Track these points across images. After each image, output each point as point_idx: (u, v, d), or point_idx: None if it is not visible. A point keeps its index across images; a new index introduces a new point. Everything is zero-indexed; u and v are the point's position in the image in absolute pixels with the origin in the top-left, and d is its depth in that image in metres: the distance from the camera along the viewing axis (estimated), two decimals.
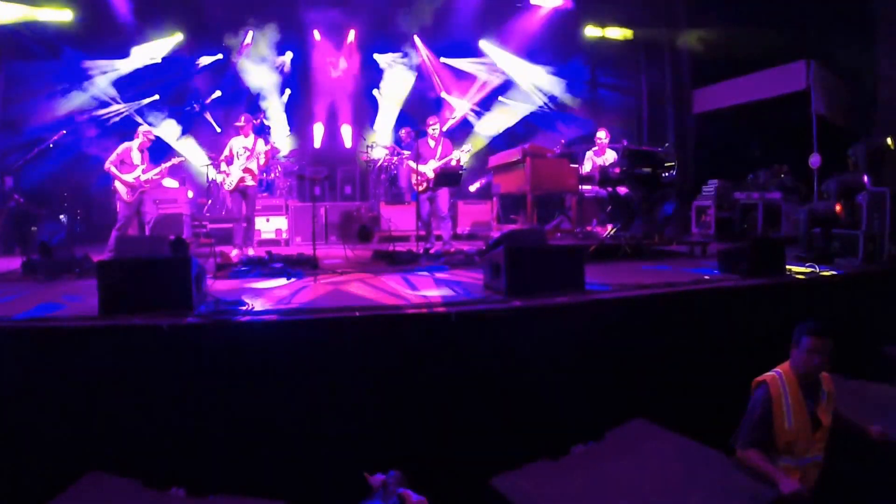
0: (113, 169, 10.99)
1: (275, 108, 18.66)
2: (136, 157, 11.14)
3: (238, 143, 11.53)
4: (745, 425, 4.59)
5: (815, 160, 13.75)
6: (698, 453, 4.18)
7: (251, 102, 18.33)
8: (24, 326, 5.70)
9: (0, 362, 5.38)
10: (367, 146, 17.13)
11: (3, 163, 14.13)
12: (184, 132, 17.22)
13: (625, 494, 3.69)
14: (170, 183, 14.55)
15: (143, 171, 11.15)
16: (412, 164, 12.02)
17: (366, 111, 19.95)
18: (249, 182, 11.48)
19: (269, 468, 5.34)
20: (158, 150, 13.00)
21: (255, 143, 11.52)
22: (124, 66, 17.30)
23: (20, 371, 5.38)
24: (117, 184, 11.06)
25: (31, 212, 13.38)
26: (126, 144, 11.21)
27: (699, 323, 6.69)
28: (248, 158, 11.37)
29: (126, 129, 17.29)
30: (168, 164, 11.46)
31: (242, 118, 11.73)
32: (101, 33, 16.45)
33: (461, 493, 3.99)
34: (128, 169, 11.05)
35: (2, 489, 5.06)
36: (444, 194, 11.79)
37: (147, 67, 17.67)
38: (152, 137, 11.57)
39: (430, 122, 12.14)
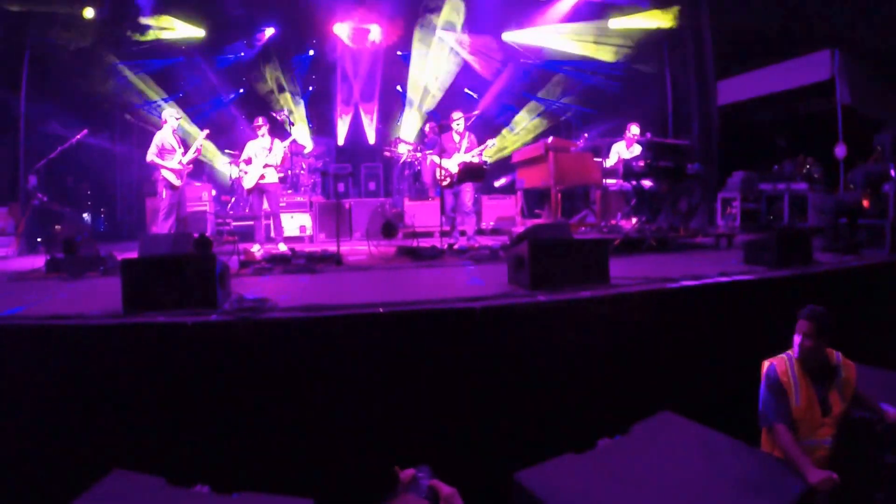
0: (156, 159, 11.13)
1: (297, 105, 18.72)
2: (172, 140, 11.29)
3: (256, 145, 11.62)
4: (763, 404, 4.61)
5: (840, 150, 13.62)
6: (726, 445, 4.14)
7: (273, 100, 18.42)
8: (48, 324, 5.73)
9: (25, 360, 5.43)
10: (391, 142, 17.13)
11: (27, 161, 14.26)
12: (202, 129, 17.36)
13: (651, 488, 3.66)
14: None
15: (182, 154, 11.28)
16: (436, 158, 12.01)
17: (390, 107, 19.98)
18: (269, 179, 11.56)
19: (295, 465, 5.35)
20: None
21: (272, 143, 11.60)
22: (147, 64, 17.39)
23: (45, 369, 5.41)
24: (164, 172, 11.18)
25: (55, 210, 13.47)
26: (159, 133, 11.33)
27: (725, 315, 6.63)
28: (266, 157, 11.42)
29: (145, 126, 17.50)
30: (199, 140, 11.53)
31: (259, 119, 11.83)
32: (124, 29, 16.55)
33: (486, 487, 3.98)
34: (168, 155, 11.19)
35: (28, 488, 5.11)
36: (468, 189, 11.77)
37: (169, 64, 17.78)
38: (179, 117, 11.69)
39: (455, 117, 12.11)
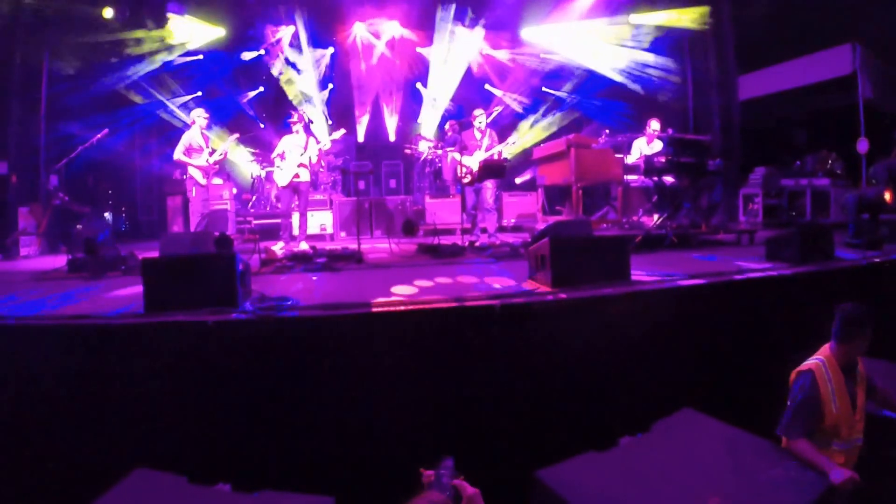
0: (183, 157, 11.22)
1: (317, 103, 18.74)
2: (199, 140, 11.38)
3: (290, 141, 11.59)
4: (791, 415, 4.52)
5: (862, 145, 13.46)
6: (748, 443, 4.12)
7: (292, 98, 18.45)
8: (70, 324, 5.78)
9: (47, 359, 5.46)
10: (412, 139, 17.11)
11: (48, 161, 14.36)
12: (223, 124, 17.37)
13: (673, 486, 3.64)
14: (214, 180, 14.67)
15: (210, 154, 11.34)
16: (457, 155, 11.98)
17: (410, 105, 19.95)
18: (304, 178, 11.58)
19: (316, 464, 5.35)
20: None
21: (307, 140, 11.58)
22: (167, 63, 17.45)
23: (67, 368, 5.45)
24: (191, 170, 11.26)
25: (76, 210, 13.53)
26: (187, 132, 11.41)
27: (747, 312, 6.58)
28: (300, 154, 11.43)
29: (165, 125, 17.63)
30: (228, 143, 11.58)
31: (295, 115, 11.84)
32: (142, 29, 16.62)
33: (508, 485, 3.96)
34: (196, 154, 11.27)
35: (51, 486, 5.14)
36: (489, 186, 11.74)
37: (189, 63, 17.83)
38: (207, 116, 11.74)
39: (476, 114, 12.09)
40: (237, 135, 11.83)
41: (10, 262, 12.09)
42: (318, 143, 11.87)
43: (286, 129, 11.91)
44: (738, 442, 4.10)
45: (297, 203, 11.78)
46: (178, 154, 11.26)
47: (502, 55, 19.35)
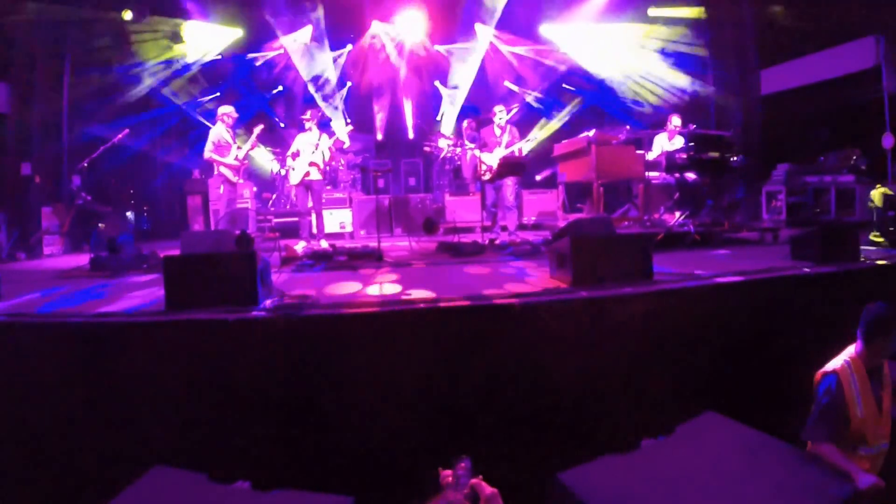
0: (214, 156, 11.28)
1: (336, 102, 18.76)
2: (227, 136, 11.44)
3: (304, 139, 11.60)
4: (816, 419, 4.44)
5: (887, 140, 13.29)
6: (771, 448, 4.06)
7: (311, 97, 18.48)
8: (92, 321, 5.81)
9: (70, 357, 5.50)
10: (431, 137, 17.10)
11: (70, 162, 14.48)
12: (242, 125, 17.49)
13: (695, 490, 3.60)
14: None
15: (238, 149, 11.38)
16: (477, 152, 11.96)
17: (429, 102, 19.94)
18: (314, 176, 11.54)
19: (336, 463, 5.34)
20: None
21: (319, 138, 11.56)
22: (185, 64, 17.55)
23: (89, 365, 5.48)
24: (221, 168, 11.32)
25: (98, 210, 13.64)
26: (214, 130, 11.47)
27: (771, 312, 6.51)
28: (312, 153, 11.43)
29: (185, 126, 17.75)
30: (254, 135, 11.60)
31: (308, 112, 11.82)
32: (160, 31, 16.74)
33: (528, 487, 3.94)
34: (225, 151, 11.35)
35: (71, 482, 5.16)
36: (509, 184, 11.70)
37: (207, 64, 17.92)
38: (235, 115, 11.78)
39: (496, 111, 12.05)
40: (261, 126, 11.81)
41: (34, 261, 12.21)
42: (330, 137, 11.81)
43: (302, 126, 11.91)
44: (761, 446, 4.04)
45: (309, 202, 11.77)
46: (209, 152, 11.32)
47: (521, 52, 19.29)
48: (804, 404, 4.58)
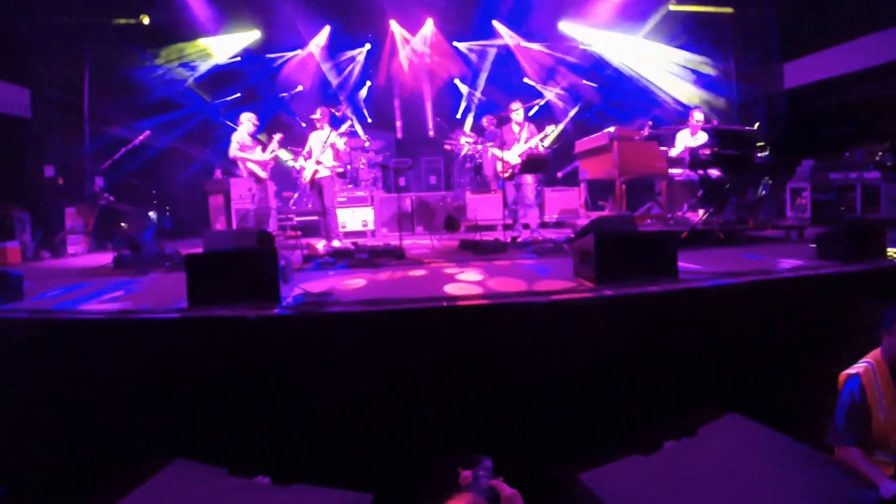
0: (240, 154, 11.39)
1: (356, 100, 18.81)
2: (249, 141, 11.47)
3: (315, 138, 11.64)
4: (840, 422, 4.37)
5: None
6: (796, 452, 3.99)
7: (332, 96, 18.54)
8: (116, 318, 5.84)
9: (94, 353, 5.54)
10: (451, 135, 17.08)
11: (93, 163, 14.64)
12: (263, 128, 17.58)
13: (717, 492, 3.55)
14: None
15: (261, 152, 11.47)
16: (496, 150, 11.92)
17: (448, 100, 19.94)
18: (322, 174, 11.52)
19: (356, 460, 5.34)
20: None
21: (328, 136, 11.56)
22: (205, 66, 17.66)
23: (112, 360, 5.53)
24: (249, 165, 11.39)
25: (121, 210, 13.77)
26: (237, 133, 11.58)
27: (797, 312, 6.42)
28: (321, 151, 11.43)
29: (206, 127, 17.88)
30: (275, 141, 11.66)
31: (318, 111, 11.81)
32: (179, 33, 16.86)
33: (549, 487, 3.91)
34: (250, 150, 11.37)
35: (92, 475, 5.18)
36: (530, 181, 11.65)
37: (226, 66, 18.02)
38: (256, 123, 11.86)
39: (514, 108, 12.00)
40: (280, 135, 11.87)
41: (59, 260, 12.34)
42: (342, 136, 11.79)
43: (314, 126, 11.90)
44: (785, 450, 3.98)
45: (321, 200, 11.72)
46: (234, 152, 11.43)
47: (541, 48, 19.22)
48: (830, 407, 4.52)
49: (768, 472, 3.71)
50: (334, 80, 18.98)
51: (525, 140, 11.69)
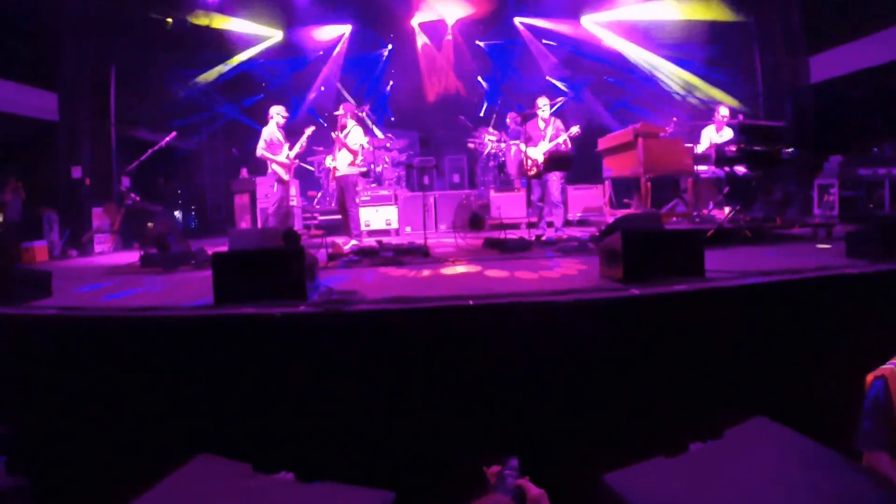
0: (266, 154, 11.42)
1: (378, 100, 18.85)
2: (279, 135, 11.57)
3: (337, 136, 11.62)
4: (866, 425, 4.30)
5: None
6: (824, 458, 3.94)
7: (354, 95, 18.59)
8: (142, 316, 5.88)
9: (120, 349, 5.59)
10: (475, 133, 17.07)
11: (119, 164, 14.81)
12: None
13: (742, 497, 3.52)
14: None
15: (289, 148, 11.48)
16: (522, 147, 11.87)
17: (472, 98, 19.93)
18: (341, 171, 11.51)
19: (380, 458, 5.34)
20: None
21: (347, 134, 11.54)
22: (228, 68, 17.78)
23: (138, 358, 5.60)
24: (274, 167, 11.45)
25: (148, 209, 13.90)
26: (267, 129, 11.59)
27: (826, 312, 6.35)
28: (339, 149, 11.44)
29: (231, 127, 18.02)
30: (305, 136, 11.67)
31: (341, 108, 11.82)
32: (202, 36, 17.00)
33: (573, 487, 3.89)
34: (277, 149, 11.49)
35: (115, 468, 5.22)
36: (555, 179, 11.60)
37: (250, 67, 18.11)
38: (286, 115, 11.87)
39: (540, 104, 11.94)
40: (313, 127, 11.86)
41: (86, 259, 12.52)
42: (360, 135, 11.70)
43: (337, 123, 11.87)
44: (813, 456, 3.92)
45: (341, 199, 11.74)
46: (261, 150, 11.46)
47: (563, 45, 19.15)
48: (859, 411, 4.46)
49: (795, 477, 3.67)
50: (356, 80, 19.01)
51: (550, 138, 11.65)
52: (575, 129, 11.70)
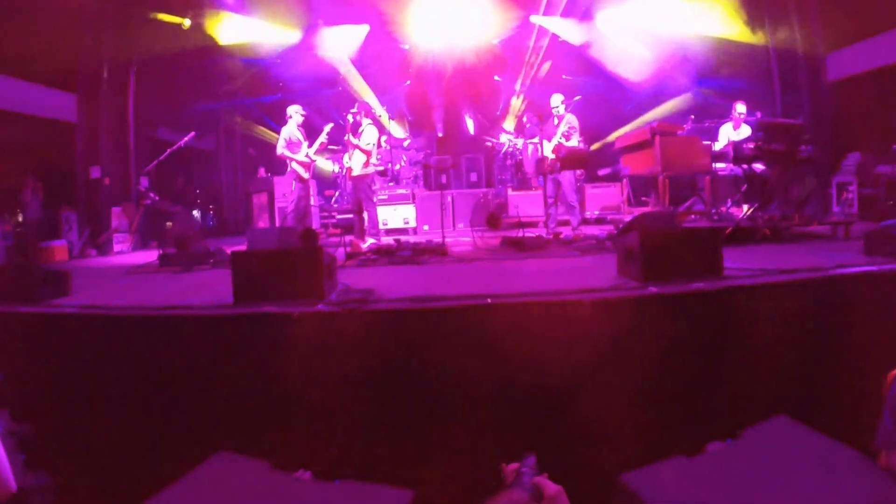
0: (286, 152, 11.46)
1: (395, 99, 18.87)
2: (298, 134, 11.59)
3: (352, 135, 11.64)
4: (888, 424, 4.27)
5: None
6: (845, 457, 3.92)
7: (369, 95, 18.64)
8: (161, 314, 5.93)
9: (140, 348, 5.63)
10: (492, 132, 17.08)
11: (138, 164, 14.92)
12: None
13: (762, 498, 3.51)
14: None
15: (308, 146, 11.52)
16: (537, 142, 11.85)
17: (489, 97, 19.92)
18: (356, 172, 11.52)
19: (397, 457, 5.35)
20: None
21: (361, 133, 11.57)
22: (246, 67, 17.84)
23: (158, 357, 5.65)
24: (294, 165, 11.51)
25: (166, 209, 13.97)
26: (286, 127, 11.65)
27: (846, 311, 6.30)
28: (353, 149, 11.47)
29: (248, 127, 18.09)
30: (324, 133, 11.69)
31: (356, 105, 11.86)
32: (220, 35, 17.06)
33: (591, 487, 3.89)
34: (296, 148, 11.51)
35: (134, 465, 5.26)
36: (568, 178, 11.59)
37: (267, 66, 18.18)
38: (304, 113, 11.89)
39: (553, 103, 11.97)
40: (332, 124, 11.89)
41: (105, 258, 12.61)
42: (373, 134, 11.70)
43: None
44: (834, 456, 3.90)
45: (357, 199, 11.76)
46: (280, 149, 11.51)
47: (581, 43, 19.07)
48: (880, 409, 4.44)
49: (816, 478, 3.65)
50: (373, 80, 19.03)
51: (561, 134, 11.65)
52: (571, 121, 11.69)
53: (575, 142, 11.80)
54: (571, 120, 11.89)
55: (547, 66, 19.36)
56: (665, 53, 17.94)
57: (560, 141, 11.69)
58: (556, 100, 11.98)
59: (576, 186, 11.99)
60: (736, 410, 5.01)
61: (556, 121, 11.86)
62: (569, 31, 18.83)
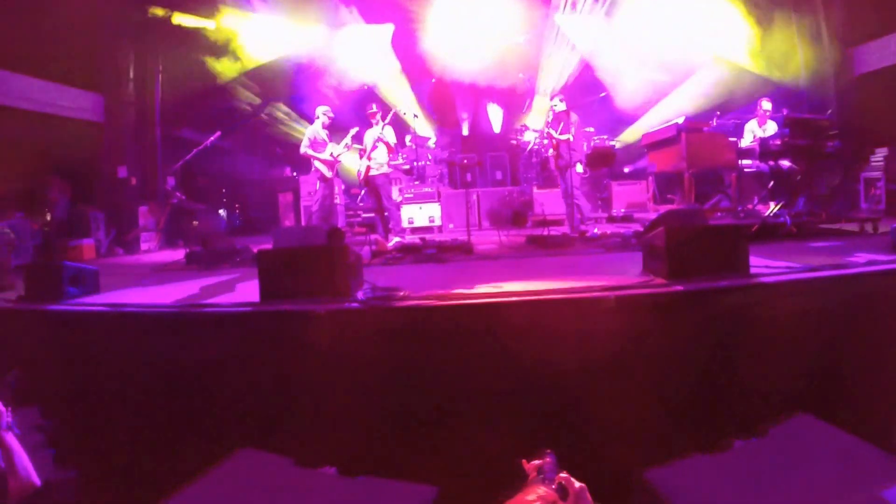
0: (310, 151, 11.51)
1: (419, 97, 18.86)
2: (322, 134, 11.61)
3: (370, 135, 11.67)
4: None
5: None
6: (869, 456, 3.89)
7: (391, 94, 18.64)
8: (188, 311, 5.99)
9: (167, 345, 5.68)
10: (517, 130, 17.03)
11: (164, 164, 15.04)
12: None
13: (786, 495, 3.49)
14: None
15: (333, 146, 11.59)
16: (552, 131, 11.77)
17: (514, 95, 19.84)
18: (375, 171, 11.53)
19: (422, 453, 5.36)
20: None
21: (382, 132, 11.58)
22: (270, 66, 17.90)
23: (185, 353, 5.70)
24: (317, 164, 11.53)
25: (192, 208, 14.08)
26: (311, 127, 11.70)
27: (874, 308, 6.24)
28: (373, 148, 11.47)
29: (273, 126, 18.14)
30: (350, 135, 11.71)
31: (373, 105, 11.92)
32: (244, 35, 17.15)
33: (614, 484, 3.89)
34: (321, 148, 11.52)
35: (160, 460, 5.31)
36: (579, 170, 11.53)
37: (291, 66, 18.22)
38: (332, 115, 11.90)
39: (553, 101, 11.93)
40: (357, 128, 11.91)
41: (132, 256, 12.71)
42: (392, 134, 11.79)
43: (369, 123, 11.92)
44: (858, 453, 3.88)
45: (377, 199, 11.79)
46: (304, 148, 11.55)
47: (602, 40, 18.95)
48: None
49: (840, 477, 3.63)
50: (397, 77, 19.02)
51: (559, 131, 11.58)
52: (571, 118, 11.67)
53: (570, 136, 11.67)
54: (572, 117, 11.79)
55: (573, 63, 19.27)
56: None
57: (550, 131, 11.62)
58: (556, 100, 11.91)
59: (579, 181, 11.86)
60: (759, 408, 4.98)
61: (550, 116, 11.83)
62: (586, 31, 18.76)
